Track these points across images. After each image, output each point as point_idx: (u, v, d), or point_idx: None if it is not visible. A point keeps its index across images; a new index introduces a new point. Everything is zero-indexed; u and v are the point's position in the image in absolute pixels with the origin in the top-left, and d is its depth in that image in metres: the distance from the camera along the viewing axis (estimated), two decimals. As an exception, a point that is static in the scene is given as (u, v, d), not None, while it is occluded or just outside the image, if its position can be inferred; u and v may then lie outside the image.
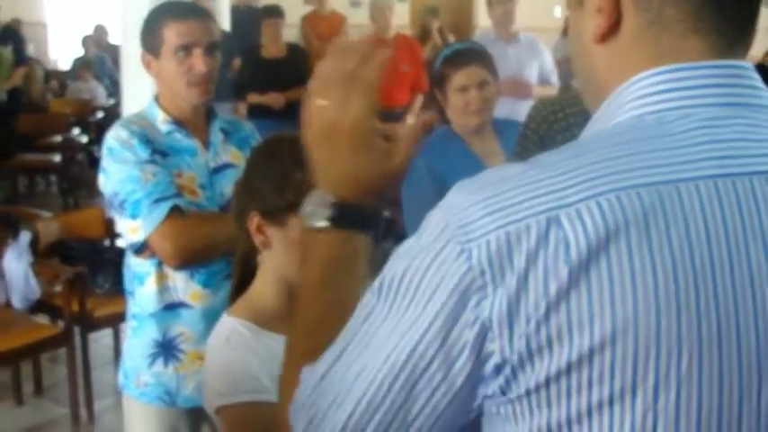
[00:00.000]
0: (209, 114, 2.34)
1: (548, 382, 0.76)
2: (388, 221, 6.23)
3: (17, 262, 3.94)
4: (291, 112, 5.89)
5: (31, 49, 10.68)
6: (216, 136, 2.32)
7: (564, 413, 0.77)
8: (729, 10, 0.84)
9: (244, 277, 1.72)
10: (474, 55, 2.93)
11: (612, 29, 0.86)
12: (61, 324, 3.95)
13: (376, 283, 0.86)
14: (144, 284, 2.25)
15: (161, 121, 2.26)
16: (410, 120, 6.10)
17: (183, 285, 2.24)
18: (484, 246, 0.77)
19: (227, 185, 2.25)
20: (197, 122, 2.29)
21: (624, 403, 0.75)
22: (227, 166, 2.31)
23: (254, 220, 1.62)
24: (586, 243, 0.75)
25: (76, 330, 3.94)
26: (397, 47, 6.07)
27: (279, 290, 1.66)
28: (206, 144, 2.29)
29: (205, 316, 2.24)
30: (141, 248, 2.18)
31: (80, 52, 10.67)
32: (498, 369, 0.78)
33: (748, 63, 0.85)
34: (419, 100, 6.13)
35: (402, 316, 0.81)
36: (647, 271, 0.75)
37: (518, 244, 0.76)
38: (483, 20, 8.80)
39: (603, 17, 0.86)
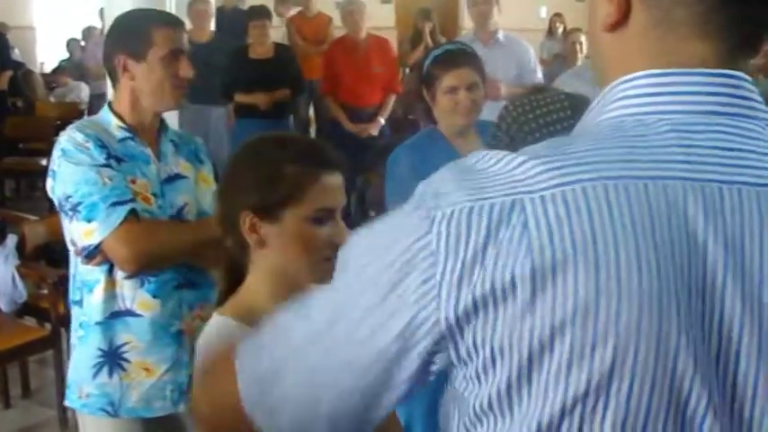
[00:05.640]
0: (161, 125, 2.34)
1: (494, 359, 0.79)
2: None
3: (4, 265, 3.94)
4: (278, 112, 5.92)
5: (17, 53, 10.63)
6: (167, 146, 2.32)
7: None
8: (736, 16, 0.83)
9: (232, 280, 1.72)
10: (465, 57, 2.95)
11: (621, 20, 0.86)
12: (48, 326, 3.95)
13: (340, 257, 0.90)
14: (92, 293, 2.22)
15: (114, 127, 2.25)
16: (381, 120, 6.22)
17: (131, 294, 2.21)
18: (448, 214, 0.80)
19: (177, 196, 2.27)
20: (150, 132, 2.29)
21: (579, 385, 0.77)
22: (177, 176, 2.31)
23: (247, 220, 1.62)
24: (547, 230, 0.77)
25: (63, 333, 3.93)
26: (368, 48, 6.13)
27: (272, 289, 1.65)
28: (157, 154, 2.29)
29: (153, 326, 2.22)
30: (93, 253, 2.14)
31: (66, 56, 10.65)
32: (441, 336, 0.81)
33: (742, 73, 0.85)
34: (391, 100, 6.25)
35: (360, 274, 0.85)
36: (610, 260, 0.76)
37: (479, 218, 0.79)
38: (469, 22, 8.81)
39: (614, 7, 0.86)
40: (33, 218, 4.65)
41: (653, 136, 0.81)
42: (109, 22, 3.55)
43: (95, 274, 2.20)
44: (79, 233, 2.14)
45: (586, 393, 0.76)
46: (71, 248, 2.23)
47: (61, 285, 3.87)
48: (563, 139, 0.85)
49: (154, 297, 2.22)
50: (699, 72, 0.83)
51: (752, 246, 0.79)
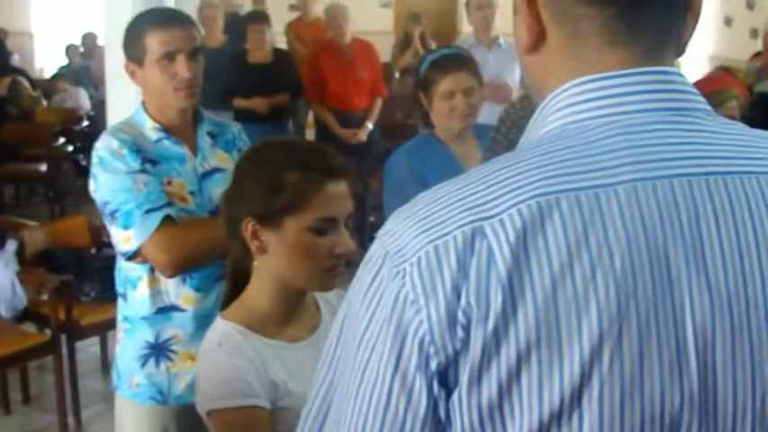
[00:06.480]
0: (197, 118, 2.35)
1: (480, 382, 0.78)
2: (373, 226, 6.26)
3: (4, 271, 3.95)
4: (277, 117, 5.93)
5: (16, 59, 10.65)
6: (203, 141, 2.33)
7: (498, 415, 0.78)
8: (640, 20, 0.85)
9: (237, 283, 1.73)
10: (461, 61, 2.95)
11: (538, 41, 0.89)
12: (48, 332, 3.96)
13: (332, 333, 0.88)
14: (136, 288, 2.27)
15: (150, 128, 2.27)
16: (369, 125, 6.25)
17: (176, 289, 2.26)
18: (415, 263, 0.79)
19: (216, 190, 2.28)
20: (185, 128, 2.31)
21: (553, 401, 0.77)
22: (215, 170, 2.32)
23: (249, 227, 1.62)
24: (510, 253, 0.77)
25: (63, 338, 3.94)
26: (353, 52, 6.14)
27: (274, 295, 1.67)
28: (194, 149, 2.31)
29: (197, 318, 2.26)
30: (133, 256, 2.19)
31: (65, 62, 10.66)
32: (443, 374, 0.79)
33: (670, 68, 0.86)
34: (378, 104, 6.25)
35: (355, 357, 0.83)
36: (565, 274, 0.76)
37: (446, 255, 0.78)
38: (467, 26, 8.83)
39: (528, 31, 0.89)
40: (33, 224, 4.67)
41: (600, 142, 0.82)
42: (110, 27, 3.56)
43: (138, 271, 2.25)
44: (118, 239, 2.19)
45: (560, 409, 0.77)
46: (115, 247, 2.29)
47: (61, 291, 3.88)
48: (508, 158, 0.85)
49: (197, 291, 2.27)
50: (628, 73, 0.85)
51: (709, 234, 0.80)
